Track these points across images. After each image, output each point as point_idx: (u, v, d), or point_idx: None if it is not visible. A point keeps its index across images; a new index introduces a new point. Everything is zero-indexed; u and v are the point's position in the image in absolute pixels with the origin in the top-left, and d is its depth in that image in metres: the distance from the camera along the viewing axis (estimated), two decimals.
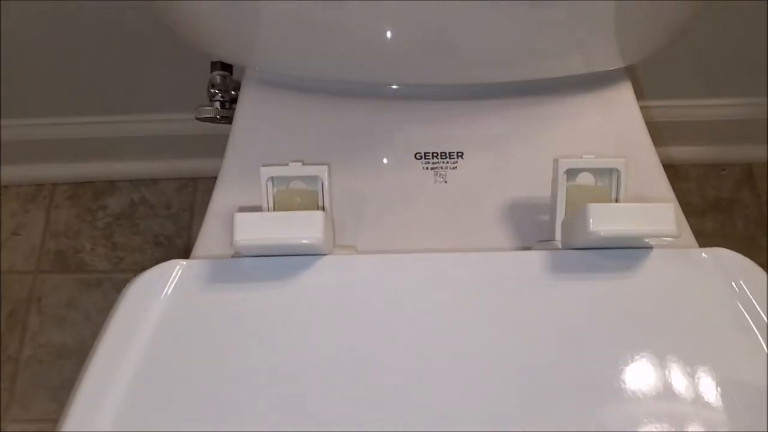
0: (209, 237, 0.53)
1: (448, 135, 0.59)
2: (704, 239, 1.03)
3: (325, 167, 0.50)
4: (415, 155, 0.58)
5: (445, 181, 0.57)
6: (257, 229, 0.43)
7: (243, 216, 0.43)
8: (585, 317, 0.45)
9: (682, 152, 1.07)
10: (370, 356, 0.44)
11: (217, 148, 0.83)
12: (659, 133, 1.04)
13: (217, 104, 0.76)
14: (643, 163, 0.57)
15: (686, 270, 0.46)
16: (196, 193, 1.09)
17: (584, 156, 0.52)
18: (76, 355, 0.97)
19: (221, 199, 0.55)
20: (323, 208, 0.50)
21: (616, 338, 0.44)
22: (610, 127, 0.59)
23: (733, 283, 0.45)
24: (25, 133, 1.00)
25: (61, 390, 0.96)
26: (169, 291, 0.45)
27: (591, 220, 0.43)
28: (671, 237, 0.43)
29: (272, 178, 0.50)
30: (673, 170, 1.06)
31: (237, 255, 0.47)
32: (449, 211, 0.55)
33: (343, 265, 0.46)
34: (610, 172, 0.51)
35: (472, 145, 0.58)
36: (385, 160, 0.58)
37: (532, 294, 0.45)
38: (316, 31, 0.53)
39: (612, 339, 0.44)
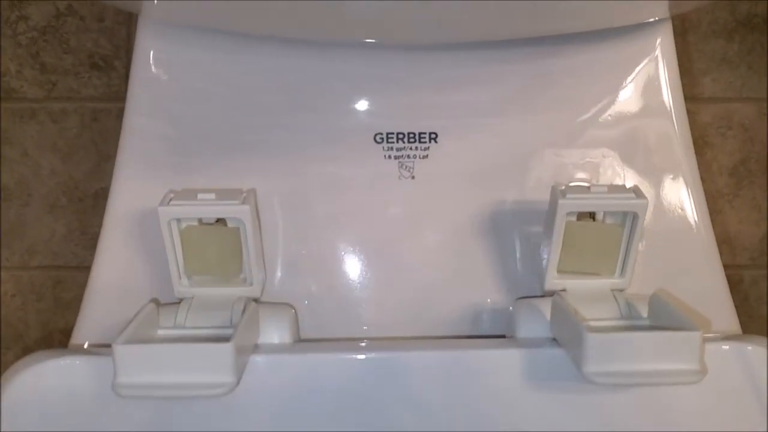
0: (106, 270, 0.42)
1: (421, 104, 0.44)
2: (728, 66, 0.88)
3: (247, 207, 0.37)
4: (375, 137, 0.43)
5: (413, 177, 0.43)
6: (146, 370, 0.32)
7: (125, 350, 0.32)
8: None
9: None
10: None
11: None
12: None
13: None
14: (676, 166, 0.43)
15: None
16: None
17: (593, 187, 0.39)
18: (18, 198, 0.89)
19: (120, 206, 0.42)
20: (248, 254, 0.39)
21: None
22: (636, 101, 0.44)
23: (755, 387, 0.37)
24: None
25: (9, 235, 0.90)
26: (50, 402, 0.36)
27: (587, 360, 0.33)
28: (691, 383, 0.33)
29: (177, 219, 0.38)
30: None
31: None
32: (414, 222, 0.43)
33: (275, 366, 0.36)
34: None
35: (451, 121, 0.44)
36: (334, 144, 0.44)
37: (510, 407, 0.36)
38: None
39: None
